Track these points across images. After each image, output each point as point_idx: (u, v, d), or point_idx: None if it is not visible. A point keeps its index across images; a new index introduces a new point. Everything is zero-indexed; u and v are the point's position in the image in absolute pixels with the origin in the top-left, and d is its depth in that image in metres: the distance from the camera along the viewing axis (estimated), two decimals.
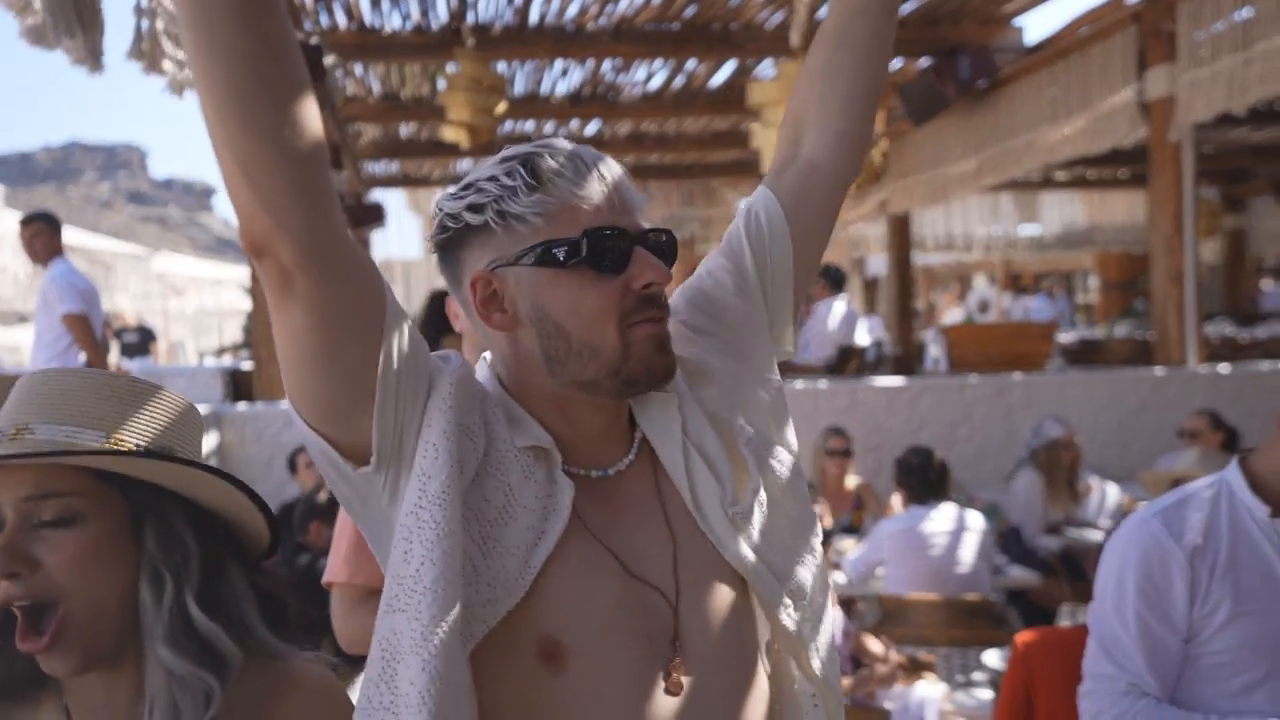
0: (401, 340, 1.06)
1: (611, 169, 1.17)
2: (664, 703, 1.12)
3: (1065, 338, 9.84)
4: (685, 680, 1.13)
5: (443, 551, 1.03)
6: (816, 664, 1.23)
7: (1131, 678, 1.89)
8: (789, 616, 1.20)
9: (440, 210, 1.20)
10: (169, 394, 1.27)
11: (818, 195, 1.35)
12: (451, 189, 1.20)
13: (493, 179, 1.15)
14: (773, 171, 1.38)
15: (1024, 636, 2.57)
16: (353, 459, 1.08)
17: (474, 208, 1.15)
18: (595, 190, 1.14)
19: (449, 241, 1.19)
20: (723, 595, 1.18)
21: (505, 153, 1.17)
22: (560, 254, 1.12)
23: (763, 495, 1.23)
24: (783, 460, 1.27)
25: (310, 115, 0.98)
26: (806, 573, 1.24)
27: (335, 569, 1.88)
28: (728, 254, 1.34)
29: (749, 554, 1.19)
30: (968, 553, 4.03)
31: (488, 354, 1.25)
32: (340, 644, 1.90)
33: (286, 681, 1.24)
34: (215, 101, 0.94)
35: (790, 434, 1.32)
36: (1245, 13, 5.95)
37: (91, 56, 4.21)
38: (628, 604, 1.13)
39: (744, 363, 1.30)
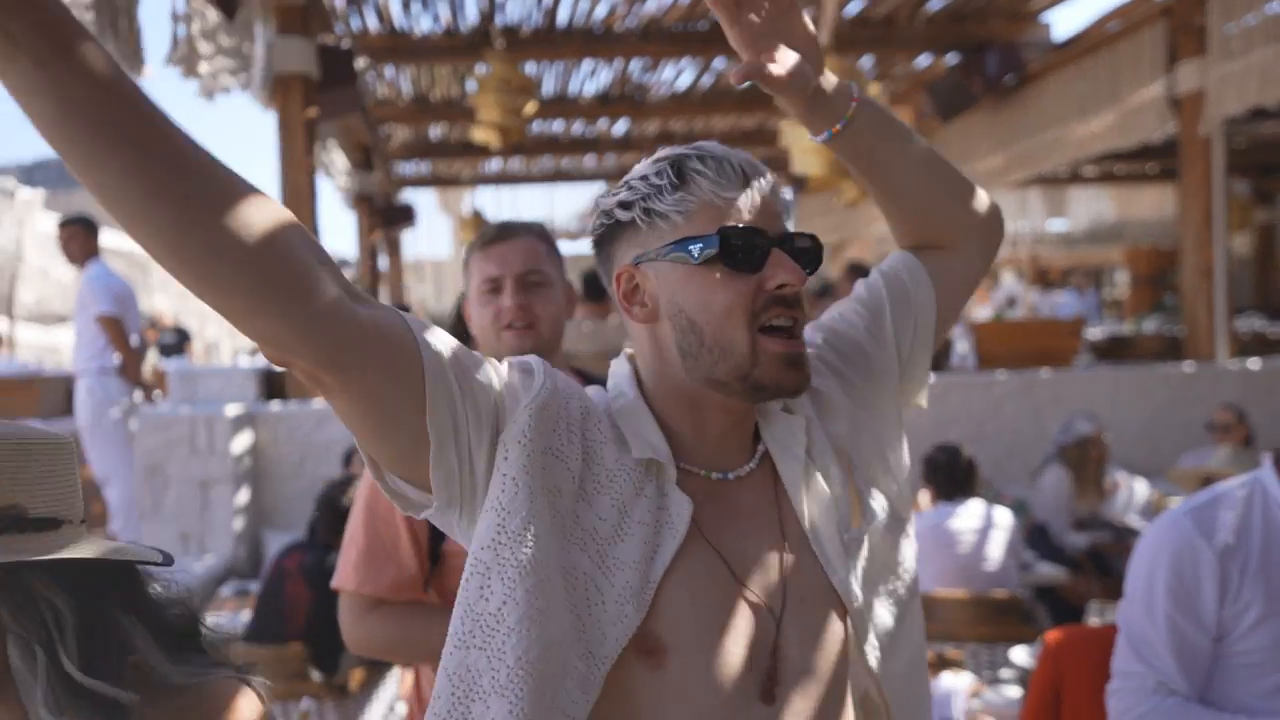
0: (448, 386, 1.06)
1: (759, 173, 1.18)
2: (758, 710, 1.12)
3: (1094, 333, 9.79)
4: (780, 691, 1.14)
5: (525, 590, 1.04)
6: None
7: (1161, 676, 1.90)
8: (874, 656, 1.22)
9: (596, 206, 1.25)
10: (15, 436, 1.17)
11: (961, 267, 1.38)
12: (610, 187, 1.26)
13: (644, 178, 1.19)
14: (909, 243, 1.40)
15: (1054, 635, 2.58)
16: (427, 494, 1.11)
17: (624, 204, 1.19)
18: (737, 191, 1.15)
19: (602, 237, 1.24)
20: (824, 617, 1.19)
21: (659, 153, 1.21)
22: (695, 251, 1.14)
23: (868, 535, 1.25)
24: (890, 513, 1.28)
25: (246, 236, 0.91)
26: (897, 626, 1.26)
27: (344, 575, 1.88)
28: (865, 304, 1.35)
29: (854, 581, 1.21)
30: (995, 549, 4.04)
31: (627, 349, 1.28)
32: (348, 646, 1.92)
33: (197, 706, 1.21)
34: (172, 269, 0.93)
35: (905, 492, 1.32)
36: (1277, 5, 5.91)
37: (126, 63, 4.29)
38: (731, 609, 1.14)
39: (865, 410, 1.31)
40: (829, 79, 1.27)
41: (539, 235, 1.99)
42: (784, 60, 1.21)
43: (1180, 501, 2.20)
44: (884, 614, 1.25)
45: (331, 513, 3.67)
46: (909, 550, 1.30)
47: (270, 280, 0.93)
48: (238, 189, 0.93)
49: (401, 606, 1.86)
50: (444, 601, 1.88)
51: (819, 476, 1.22)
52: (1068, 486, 5.13)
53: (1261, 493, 1.93)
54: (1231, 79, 6.28)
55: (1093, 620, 3.57)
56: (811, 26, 1.25)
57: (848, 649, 1.21)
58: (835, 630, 1.20)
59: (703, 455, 1.20)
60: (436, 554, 1.88)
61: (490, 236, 1.97)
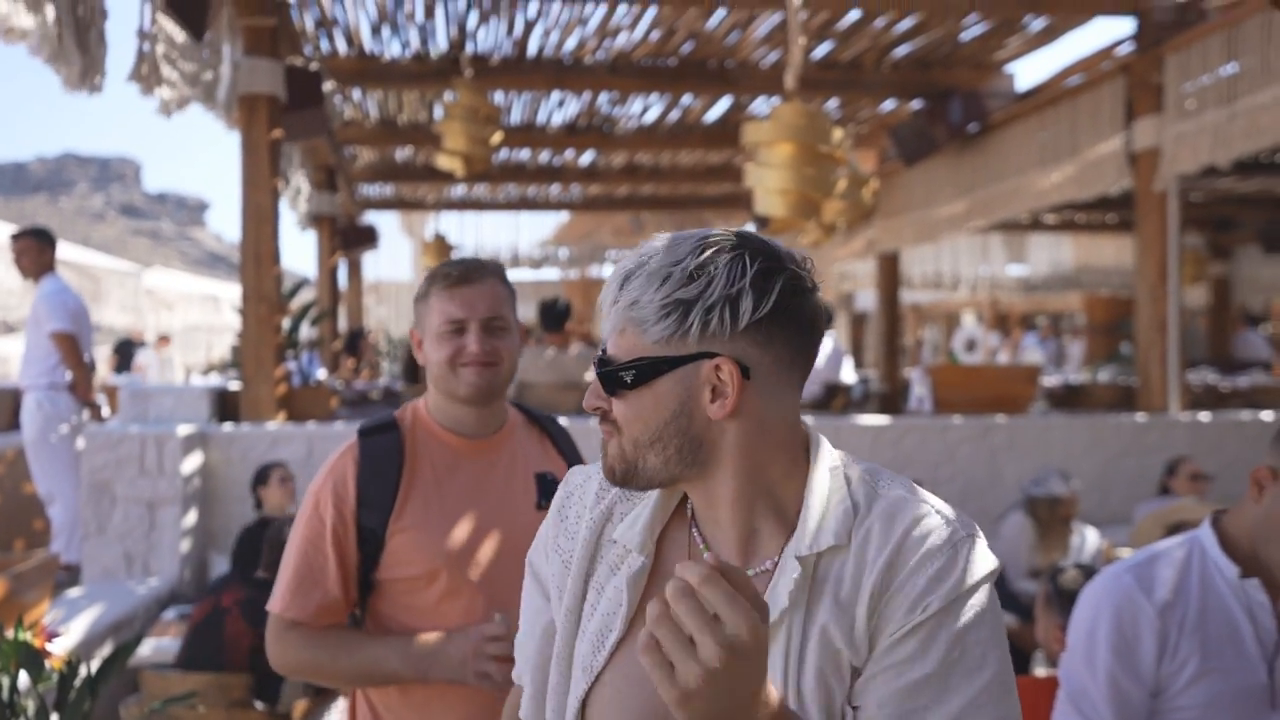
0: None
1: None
2: None
3: (1049, 381, 9.91)
4: None
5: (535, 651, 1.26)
6: None
7: None
8: None
9: None
10: None
11: None
12: None
13: None
14: None
15: None
16: None
17: None
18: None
19: None
20: None
21: None
22: None
23: None
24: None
25: None
26: None
27: (274, 598, 1.97)
28: None
29: None
30: None
31: None
32: (269, 661, 2.00)
33: None
34: None
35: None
36: (1231, 68, 6.06)
37: (86, 78, 4.25)
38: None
39: None
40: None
41: (500, 278, 2.05)
42: None
43: (1125, 555, 2.23)
44: None
45: (278, 551, 3.64)
46: None
47: None
48: None
49: (316, 630, 1.95)
50: (376, 627, 1.99)
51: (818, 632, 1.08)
52: (1030, 536, 5.14)
53: (1200, 552, 1.97)
54: (1186, 138, 6.42)
55: (1038, 670, 3.59)
56: None
57: None
58: None
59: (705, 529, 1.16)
60: (369, 582, 1.97)
61: (455, 278, 2.00)
